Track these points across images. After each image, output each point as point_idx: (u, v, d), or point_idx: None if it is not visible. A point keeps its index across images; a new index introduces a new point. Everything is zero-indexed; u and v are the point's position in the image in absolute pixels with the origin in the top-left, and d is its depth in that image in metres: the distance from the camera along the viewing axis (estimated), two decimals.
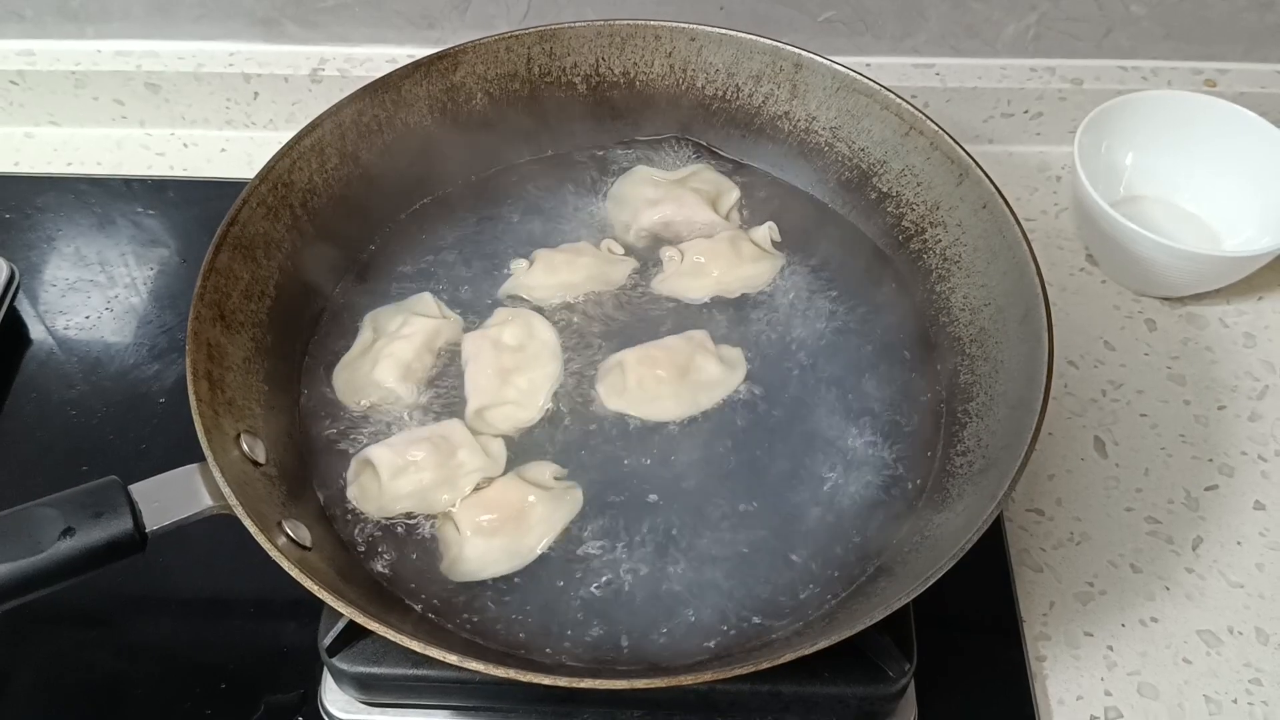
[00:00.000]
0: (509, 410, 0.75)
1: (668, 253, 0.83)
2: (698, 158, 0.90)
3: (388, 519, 0.71)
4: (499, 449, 0.73)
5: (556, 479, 0.71)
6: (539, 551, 0.69)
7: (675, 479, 0.72)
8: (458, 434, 0.72)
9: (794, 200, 0.88)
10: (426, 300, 0.79)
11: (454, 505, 0.70)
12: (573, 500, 0.71)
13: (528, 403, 0.75)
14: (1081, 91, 1.04)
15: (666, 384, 0.75)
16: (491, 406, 0.75)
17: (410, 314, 0.78)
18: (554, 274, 0.81)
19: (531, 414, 0.75)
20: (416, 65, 0.82)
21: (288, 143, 0.76)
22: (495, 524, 0.69)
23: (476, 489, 0.71)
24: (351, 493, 0.71)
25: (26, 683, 0.75)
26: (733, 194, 0.87)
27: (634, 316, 0.81)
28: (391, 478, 0.70)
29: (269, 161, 0.75)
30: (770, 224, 0.84)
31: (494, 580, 0.68)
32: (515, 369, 0.76)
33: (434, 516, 0.71)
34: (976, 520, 0.60)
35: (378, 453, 0.71)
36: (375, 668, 0.68)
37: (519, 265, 0.82)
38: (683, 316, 0.81)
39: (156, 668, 0.76)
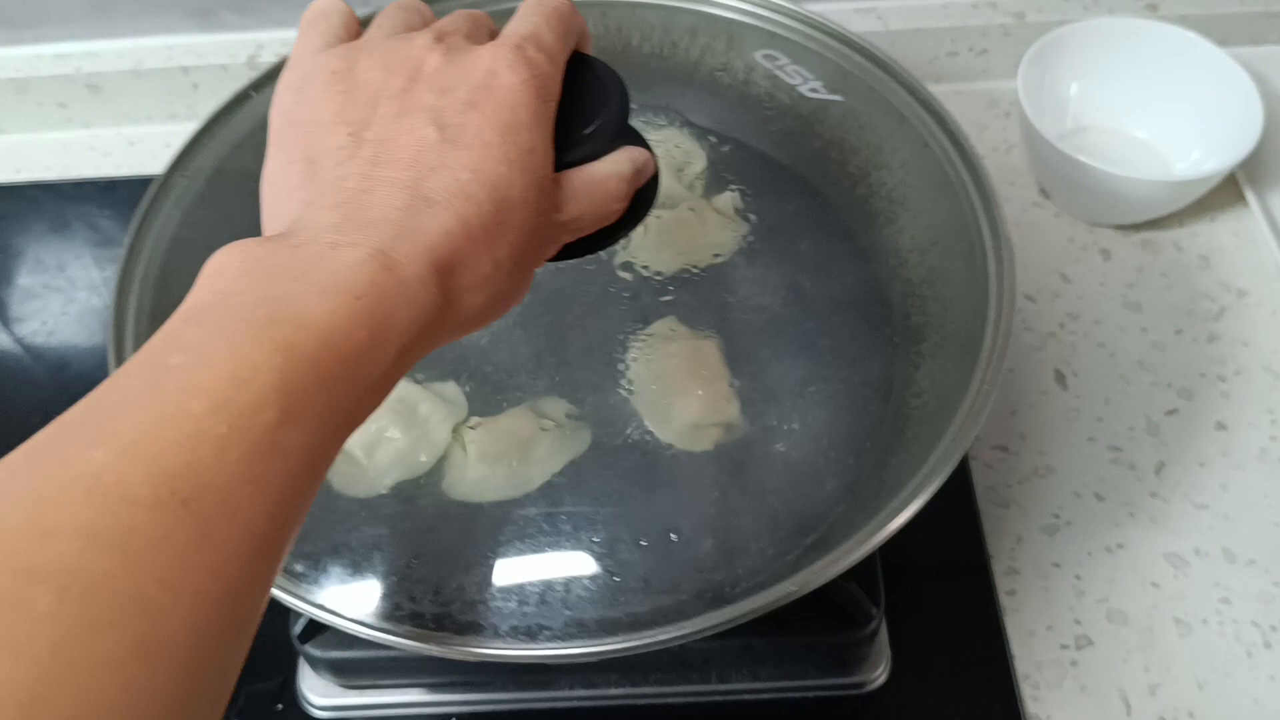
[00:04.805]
0: None
1: None
2: (661, 122, 0.89)
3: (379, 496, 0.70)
4: (454, 392, 0.73)
5: (569, 416, 0.71)
6: (538, 483, 0.69)
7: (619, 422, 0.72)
8: (410, 392, 0.72)
9: (739, 154, 0.87)
10: None
11: (432, 464, 0.70)
12: (579, 440, 0.70)
13: None
14: (1025, 25, 1.04)
15: None
16: None
17: None
18: None
19: None
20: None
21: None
22: (501, 451, 0.69)
23: (465, 425, 0.71)
24: (336, 483, 0.70)
25: None
26: (699, 164, 0.86)
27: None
28: (368, 455, 0.70)
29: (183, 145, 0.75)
30: (733, 192, 0.84)
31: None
32: None
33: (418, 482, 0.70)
34: (930, 459, 0.60)
35: None
36: (348, 652, 0.68)
37: None
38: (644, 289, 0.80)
39: None
